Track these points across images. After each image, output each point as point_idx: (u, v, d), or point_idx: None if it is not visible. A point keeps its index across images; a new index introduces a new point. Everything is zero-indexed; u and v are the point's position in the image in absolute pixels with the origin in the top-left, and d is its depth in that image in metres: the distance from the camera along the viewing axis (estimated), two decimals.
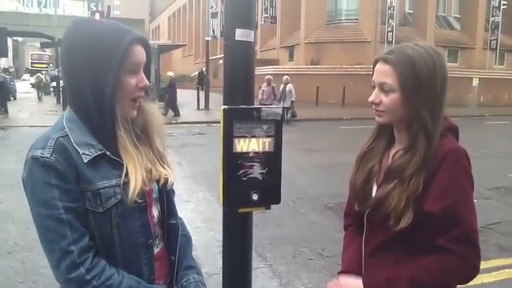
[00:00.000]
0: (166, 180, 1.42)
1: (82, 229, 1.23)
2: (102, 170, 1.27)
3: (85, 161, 1.23)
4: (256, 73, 1.68)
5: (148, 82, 1.35)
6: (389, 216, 1.39)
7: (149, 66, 1.41)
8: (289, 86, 16.74)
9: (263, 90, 16.44)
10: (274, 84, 16.68)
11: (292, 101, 16.82)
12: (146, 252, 1.36)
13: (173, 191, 1.58)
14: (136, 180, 1.29)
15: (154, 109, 1.44)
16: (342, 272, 1.60)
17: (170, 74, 20.10)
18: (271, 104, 15.47)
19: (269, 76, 17.02)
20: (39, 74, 32.86)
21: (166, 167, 1.44)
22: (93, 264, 1.22)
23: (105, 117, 1.26)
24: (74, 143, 1.24)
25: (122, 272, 1.28)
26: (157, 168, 1.40)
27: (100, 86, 1.24)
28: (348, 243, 1.68)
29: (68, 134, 1.25)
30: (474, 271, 1.39)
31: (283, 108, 16.37)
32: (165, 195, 1.46)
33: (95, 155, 1.25)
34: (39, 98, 28.74)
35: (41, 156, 1.21)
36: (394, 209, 1.37)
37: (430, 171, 1.36)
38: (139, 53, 1.32)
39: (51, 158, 1.20)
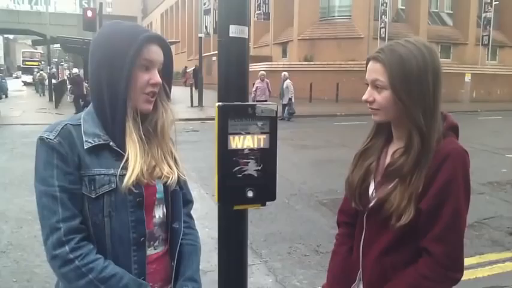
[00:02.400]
0: (169, 179, 1.42)
1: (75, 210, 1.27)
2: (103, 159, 1.32)
3: (85, 148, 1.30)
4: (249, 70, 1.67)
5: (160, 80, 1.37)
6: (391, 216, 1.38)
7: (170, 67, 1.45)
8: (287, 83, 16.70)
9: (257, 87, 16.37)
10: (268, 80, 16.65)
11: (290, 98, 16.77)
12: (137, 250, 1.35)
13: (190, 201, 1.61)
14: (134, 169, 1.31)
15: (169, 108, 1.46)
16: None
17: (75, 70, 21.20)
18: (265, 101, 15.45)
19: (263, 72, 16.96)
20: (41, 72, 33.54)
21: (173, 167, 1.45)
22: (79, 245, 1.25)
23: (116, 109, 1.32)
24: (83, 132, 1.32)
25: (109, 261, 1.29)
26: (161, 167, 1.41)
27: (115, 81, 1.31)
28: (337, 251, 1.69)
29: (80, 124, 1.34)
30: (449, 273, 1.35)
31: (282, 105, 16.45)
32: (171, 197, 1.46)
33: (96, 143, 1.31)
34: (42, 94, 30.30)
35: (46, 138, 1.29)
36: (396, 208, 1.36)
37: (431, 171, 1.35)
38: (154, 51, 1.36)
39: (55, 140, 1.28)
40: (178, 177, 1.46)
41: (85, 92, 17.97)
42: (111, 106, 1.32)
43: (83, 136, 1.31)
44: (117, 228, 1.31)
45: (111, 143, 1.33)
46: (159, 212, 1.43)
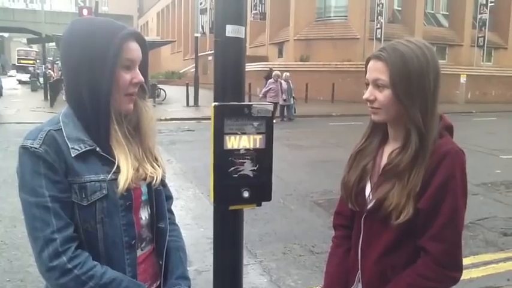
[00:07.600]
0: (153, 179, 1.41)
1: (67, 219, 1.24)
2: (91, 165, 1.28)
3: (72, 155, 1.25)
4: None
5: (142, 78, 1.35)
6: (390, 214, 1.38)
7: (146, 63, 1.41)
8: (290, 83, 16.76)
9: (270, 88, 15.50)
10: (282, 81, 15.95)
11: (293, 98, 16.92)
12: (129, 253, 1.35)
13: (170, 197, 1.60)
14: (127, 172, 1.30)
15: (148, 106, 1.45)
16: None
17: None
18: (277, 102, 14.82)
19: (277, 72, 16.22)
20: (49, 71, 33.42)
21: (155, 166, 1.44)
22: (76, 254, 1.23)
23: (99, 112, 1.28)
24: (65, 137, 1.27)
25: (106, 266, 1.28)
26: (144, 167, 1.40)
27: (96, 82, 1.26)
28: (334, 253, 1.69)
29: (61, 128, 1.29)
30: (448, 272, 1.36)
31: (288, 105, 16.20)
32: (155, 197, 1.45)
33: (83, 150, 1.27)
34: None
35: (31, 147, 1.23)
36: (395, 206, 1.36)
37: (429, 170, 1.36)
38: (134, 49, 1.33)
39: (40, 149, 1.23)
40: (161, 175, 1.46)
41: None
42: (93, 109, 1.28)
43: (67, 142, 1.27)
44: (110, 233, 1.30)
45: (97, 149, 1.30)
46: (144, 214, 1.43)
